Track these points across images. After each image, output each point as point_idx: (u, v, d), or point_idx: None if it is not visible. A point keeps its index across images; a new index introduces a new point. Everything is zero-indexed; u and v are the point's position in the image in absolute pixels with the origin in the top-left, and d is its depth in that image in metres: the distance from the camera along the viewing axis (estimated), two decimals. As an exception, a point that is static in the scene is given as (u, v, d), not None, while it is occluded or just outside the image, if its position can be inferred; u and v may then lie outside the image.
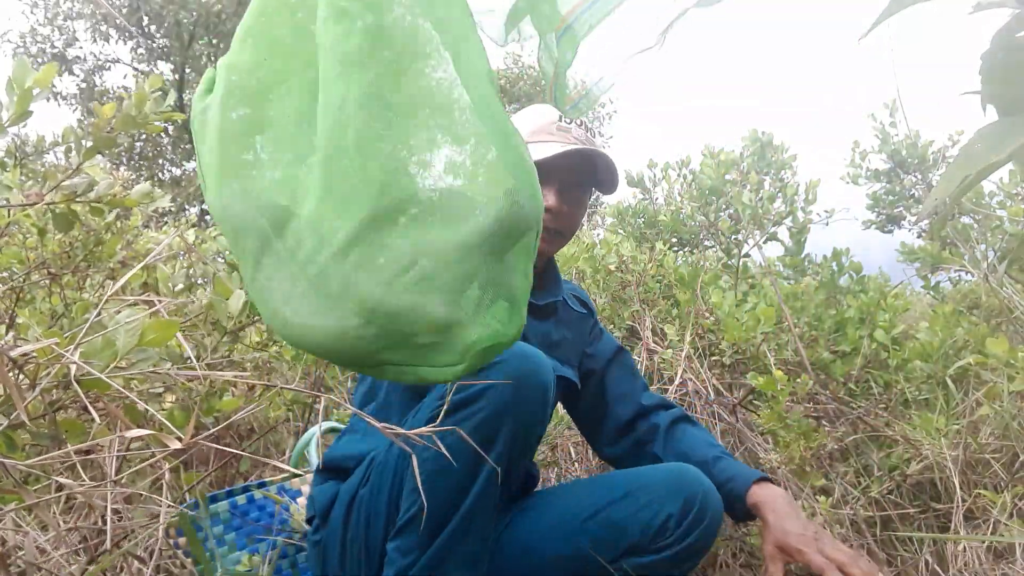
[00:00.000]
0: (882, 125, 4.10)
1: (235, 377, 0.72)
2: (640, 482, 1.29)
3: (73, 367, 0.70)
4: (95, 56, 14.10)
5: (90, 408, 0.66)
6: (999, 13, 0.40)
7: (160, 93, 0.95)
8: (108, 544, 0.90)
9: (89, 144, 0.86)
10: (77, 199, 0.85)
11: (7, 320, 1.85)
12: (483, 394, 1.01)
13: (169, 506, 0.99)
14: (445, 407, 0.99)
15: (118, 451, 0.97)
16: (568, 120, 1.39)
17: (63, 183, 0.85)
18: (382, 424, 0.73)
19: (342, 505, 1.19)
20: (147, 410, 0.94)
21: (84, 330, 0.79)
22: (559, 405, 1.60)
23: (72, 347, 0.74)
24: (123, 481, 1.00)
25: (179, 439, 0.64)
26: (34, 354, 0.71)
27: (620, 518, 1.24)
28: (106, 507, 0.79)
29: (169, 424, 1.04)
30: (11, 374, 0.71)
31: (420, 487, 0.95)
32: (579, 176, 1.40)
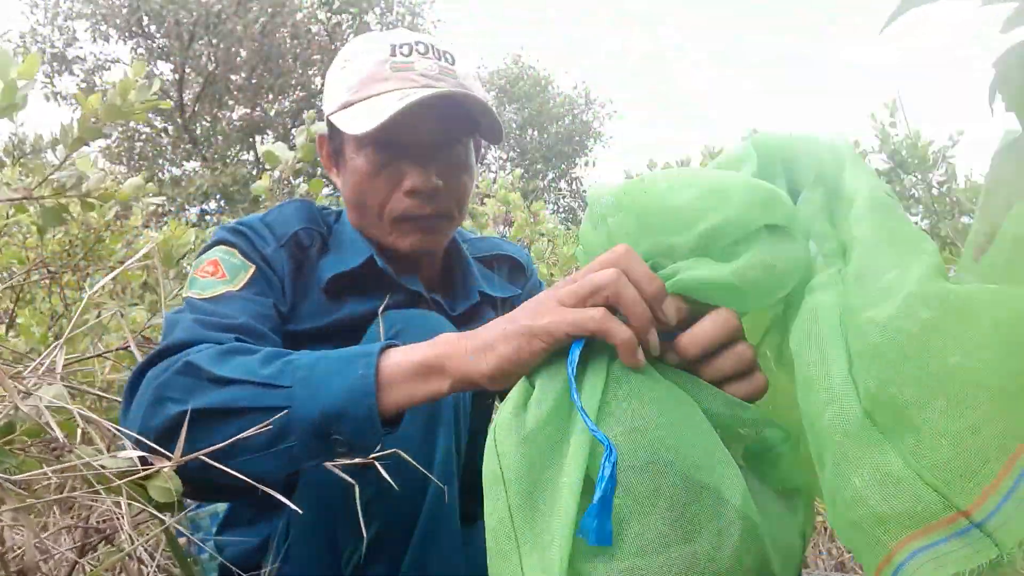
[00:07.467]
0: (882, 125, 4.10)
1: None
2: None
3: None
4: (95, 56, 14.12)
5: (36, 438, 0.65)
6: (1007, 7, 0.39)
7: (146, 82, 0.92)
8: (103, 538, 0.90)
9: (75, 136, 0.84)
10: (67, 194, 0.84)
11: (7, 320, 1.84)
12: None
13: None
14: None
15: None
16: (405, 49, 0.97)
17: (50, 176, 0.84)
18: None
19: None
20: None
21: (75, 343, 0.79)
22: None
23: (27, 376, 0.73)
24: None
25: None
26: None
27: None
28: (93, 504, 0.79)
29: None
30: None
31: (362, 522, 0.72)
32: (447, 132, 0.97)
